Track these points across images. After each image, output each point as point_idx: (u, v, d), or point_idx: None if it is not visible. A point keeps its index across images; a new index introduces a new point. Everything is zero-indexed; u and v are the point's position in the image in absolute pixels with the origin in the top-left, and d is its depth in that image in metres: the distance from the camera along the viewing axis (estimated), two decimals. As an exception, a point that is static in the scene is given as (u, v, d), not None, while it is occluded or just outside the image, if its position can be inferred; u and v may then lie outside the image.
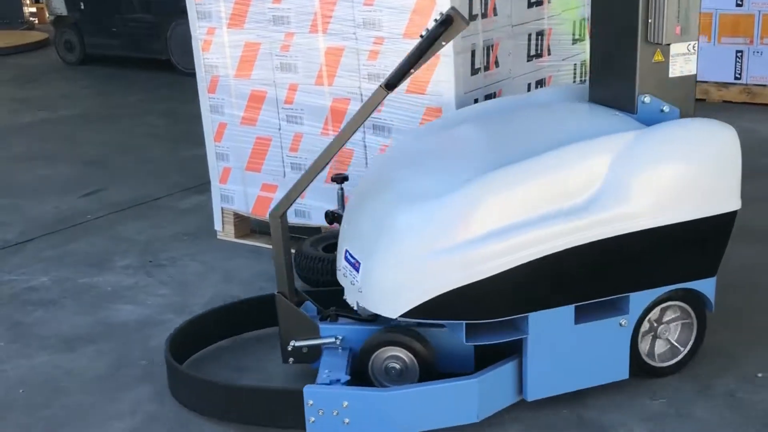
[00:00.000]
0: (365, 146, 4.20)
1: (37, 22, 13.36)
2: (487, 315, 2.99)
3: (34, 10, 13.49)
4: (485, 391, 3.02)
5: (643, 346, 3.25)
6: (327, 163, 3.23)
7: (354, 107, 4.16)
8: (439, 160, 3.26)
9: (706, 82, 7.24)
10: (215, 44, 4.53)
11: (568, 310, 3.04)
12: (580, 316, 3.07)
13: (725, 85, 7.38)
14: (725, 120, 3.24)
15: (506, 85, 4.23)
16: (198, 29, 4.58)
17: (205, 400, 3.18)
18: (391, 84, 3.09)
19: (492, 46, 4.09)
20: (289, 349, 3.22)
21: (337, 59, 4.17)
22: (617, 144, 3.04)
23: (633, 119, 3.23)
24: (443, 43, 3.03)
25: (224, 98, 4.62)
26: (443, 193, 2.97)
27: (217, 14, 4.46)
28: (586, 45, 4.35)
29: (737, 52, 7.31)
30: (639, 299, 3.15)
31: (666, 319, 3.29)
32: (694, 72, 3.30)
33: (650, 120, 3.21)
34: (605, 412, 3.10)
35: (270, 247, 4.65)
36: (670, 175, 3.09)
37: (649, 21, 3.17)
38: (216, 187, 4.84)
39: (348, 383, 3.04)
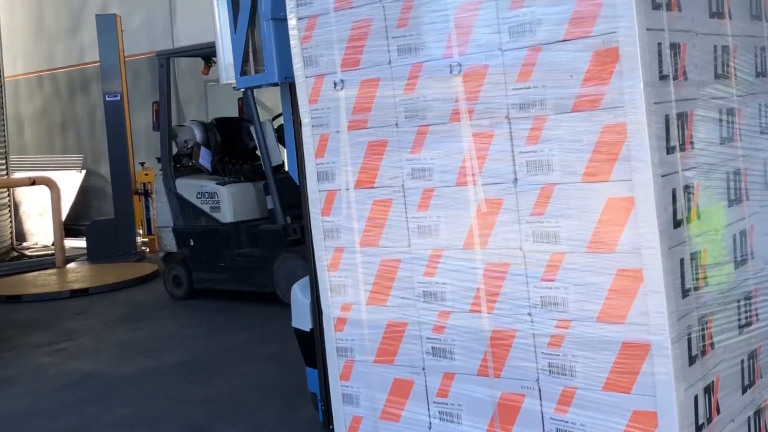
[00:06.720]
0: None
1: (148, 251, 13.48)
2: None
3: (146, 240, 13.66)
4: None
5: None
6: None
7: (530, 404, 3.29)
8: None
9: None
10: (350, 322, 3.78)
11: None
12: None
13: None
14: None
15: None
16: (331, 306, 3.85)
17: None
18: None
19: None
20: None
21: (507, 344, 3.33)
22: None
23: None
24: None
25: (361, 389, 3.80)
26: None
27: (354, 292, 3.74)
28: None
29: None
30: None
31: None
32: None
33: None
34: None
35: None
36: None
37: None
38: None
39: None
